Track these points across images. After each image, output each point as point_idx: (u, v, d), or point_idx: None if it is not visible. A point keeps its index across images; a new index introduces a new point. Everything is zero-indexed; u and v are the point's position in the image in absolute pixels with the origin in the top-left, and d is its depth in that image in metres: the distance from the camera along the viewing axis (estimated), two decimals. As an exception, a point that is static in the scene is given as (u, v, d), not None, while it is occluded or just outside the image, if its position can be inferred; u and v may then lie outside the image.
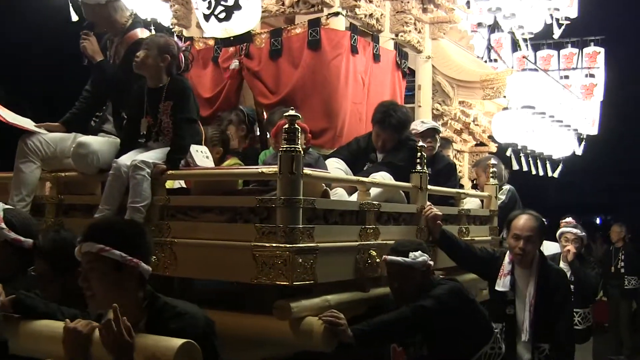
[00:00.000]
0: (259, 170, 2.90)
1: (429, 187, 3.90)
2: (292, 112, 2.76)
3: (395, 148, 3.81)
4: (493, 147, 5.80)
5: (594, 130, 6.54)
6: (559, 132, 5.68)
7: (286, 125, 2.77)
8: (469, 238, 4.25)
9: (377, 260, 3.21)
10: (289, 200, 2.72)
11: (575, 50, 6.64)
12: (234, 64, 4.20)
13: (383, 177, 3.52)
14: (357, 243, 3.10)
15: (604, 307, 8.33)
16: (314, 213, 2.89)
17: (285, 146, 2.74)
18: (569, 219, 5.62)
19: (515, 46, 6.76)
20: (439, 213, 3.64)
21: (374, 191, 3.40)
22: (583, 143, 6.36)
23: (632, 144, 17.35)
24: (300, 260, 2.71)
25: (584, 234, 5.20)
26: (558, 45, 6.75)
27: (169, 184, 3.48)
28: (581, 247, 5.23)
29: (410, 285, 3.06)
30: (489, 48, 6.20)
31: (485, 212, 4.62)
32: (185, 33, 4.78)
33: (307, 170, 2.82)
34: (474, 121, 5.51)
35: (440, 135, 4.42)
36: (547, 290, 3.52)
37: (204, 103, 4.43)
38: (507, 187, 5.18)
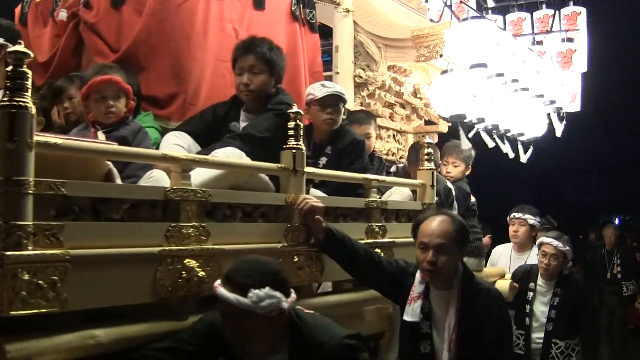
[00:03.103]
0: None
1: (321, 171, 2.94)
2: (19, 48, 1.79)
3: (260, 115, 2.83)
4: (444, 127, 4.78)
5: (575, 106, 5.49)
6: (529, 104, 4.60)
7: (9, 68, 1.80)
8: (387, 239, 3.26)
9: (202, 274, 2.23)
10: (7, 182, 1.74)
11: (551, 12, 5.61)
12: (61, 14, 3.24)
13: (227, 154, 2.54)
14: (160, 249, 2.11)
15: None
16: (67, 204, 1.91)
17: (6, 99, 1.77)
18: (520, 215, 4.66)
19: (481, 10, 5.73)
20: (319, 204, 2.65)
21: (208, 173, 2.43)
22: (563, 121, 5.29)
23: (622, 123, 15.96)
24: (28, 277, 1.74)
25: (567, 248, 4.22)
26: (531, 7, 5.73)
27: None
28: (563, 264, 4.24)
29: (253, 338, 2.01)
30: (447, 6, 5.18)
31: (416, 206, 3.60)
32: (25, -15, 3.84)
33: (43, 137, 1.84)
34: (415, 94, 4.50)
35: (346, 105, 3.41)
36: (474, 319, 2.59)
37: (40, 69, 3.52)
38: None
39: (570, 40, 5.32)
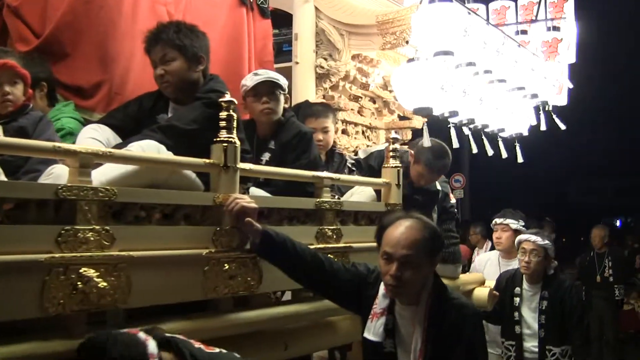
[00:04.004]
0: None
1: (258, 167, 2.70)
2: None
3: (189, 104, 2.59)
4: (418, 122, 4.51)
5: (562, 99, 5.21)
6: (509, 98, 4.32)
7: None
8: (342, 244, 3.00)
9: (103, 285, 1.97)
10: None
11: None
12: (-18, -3, 3.00)
13: (143, 147, 2.29)
14: (48, 256, 1.86)
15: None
16: None
17: None
18: (501, 220, 4.42)
19: (463, -2, 5.46)
20: (251, 205, 2.39)
21: (119, 170, 2.17)
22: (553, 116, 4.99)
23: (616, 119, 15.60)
24: None
25: (547, 242, 4.01)
26: (515, -6, 5.45)
27: None
28: (544, 261, 4.01)
29: None
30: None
31: (378, 207, 3.34)
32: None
33: None
34: (385, 86, 4.24)
35: (286, 93, 3.15)
36: (443, 339, 2.30)
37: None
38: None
39: (556, 28, 5.03)
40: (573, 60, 5.26)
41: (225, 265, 2.39)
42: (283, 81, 3.05)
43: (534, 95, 4.55)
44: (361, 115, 4.25)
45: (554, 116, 4.98)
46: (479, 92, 3.99)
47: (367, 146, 4.30)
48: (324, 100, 3.80)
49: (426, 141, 3.60)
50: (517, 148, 4.78)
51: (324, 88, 3.85)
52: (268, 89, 3.02)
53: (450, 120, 3.85)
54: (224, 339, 2.45)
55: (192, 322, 2.34)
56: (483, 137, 4.11)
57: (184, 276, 2.27)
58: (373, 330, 2.39)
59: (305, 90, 3.78)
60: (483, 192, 18.06)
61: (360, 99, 4.17)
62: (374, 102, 4.40)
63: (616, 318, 7.19)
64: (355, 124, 4.18)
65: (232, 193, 2.42)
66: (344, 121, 4.06)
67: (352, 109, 4.16)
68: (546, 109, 5.04)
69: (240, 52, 3.35)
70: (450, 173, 16.96)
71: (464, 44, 3.49)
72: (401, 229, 2.30)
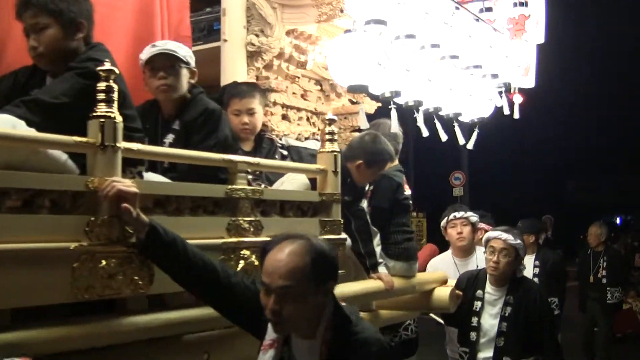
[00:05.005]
0: None
1: (148, 148, 2.40)
2: None
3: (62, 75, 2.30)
4: (370, 107, 4.21)
5: (529, 81, 4.92)
6: (465, 78, 4.03)
7: None
8: (263, 238, 2.69)
9: None
10: None
11: (504, -25, 5.06)
12: None
13: (-6, 122, 1.99)
14: None
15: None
16: None
17: None
18: (462, 214, 4.16)
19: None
20: (130, 189, 2.10)
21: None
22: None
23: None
24: None
25: (518, 242, 3.76)
26: (482, -28, 5.17)
27: None
28: (514, 262, 3.74)
29: None
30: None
31: (311, 197, 3.04)
32: None
33: None
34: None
35: (192, 68, 2.84)
36: None
37: None
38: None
39: (523, 4, 4.75)
40: (542, 40, 5.00)
41: (102, 261, 2.09)
42: (183, 52, 2.76)
43: (494, 76, 4.26)
44: (305, 99, 3.96)
45: (516, 103, 4.73)
46: (425, 70, 3.68)
47: (313, 133, 4.01)
48: (252, 80, 3.51)
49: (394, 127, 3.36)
50: (475, 134, 4.50)
51: (256, 68, 3.56)
52: (165, 62, 2.74)
53: (394, 101, 3.55)
54: (129, 346, 2.18)
55: (80, 327, 2.05)
56: (435, 121, 3.82)
57: (46, 274, 1.97)
58: None
59: (235, 70, 3.50)
60: (483, 189, 17.91)
61: (298, 79, 3.87)
62: (320, 85, 4.11)
63: (608, 321, 6.93)
64: (298, 109, 3.88)
65: (111, 177, 2.12)
66: (283, 105, 3.77)
67: (293, 93, 3.87)
68: (514, 91, 4.78)
69: (152, 27, 3.08)
70: (450, 170, 16.76)
71: (399, 12, 3.19)
72: (280, 256, 1.97)
